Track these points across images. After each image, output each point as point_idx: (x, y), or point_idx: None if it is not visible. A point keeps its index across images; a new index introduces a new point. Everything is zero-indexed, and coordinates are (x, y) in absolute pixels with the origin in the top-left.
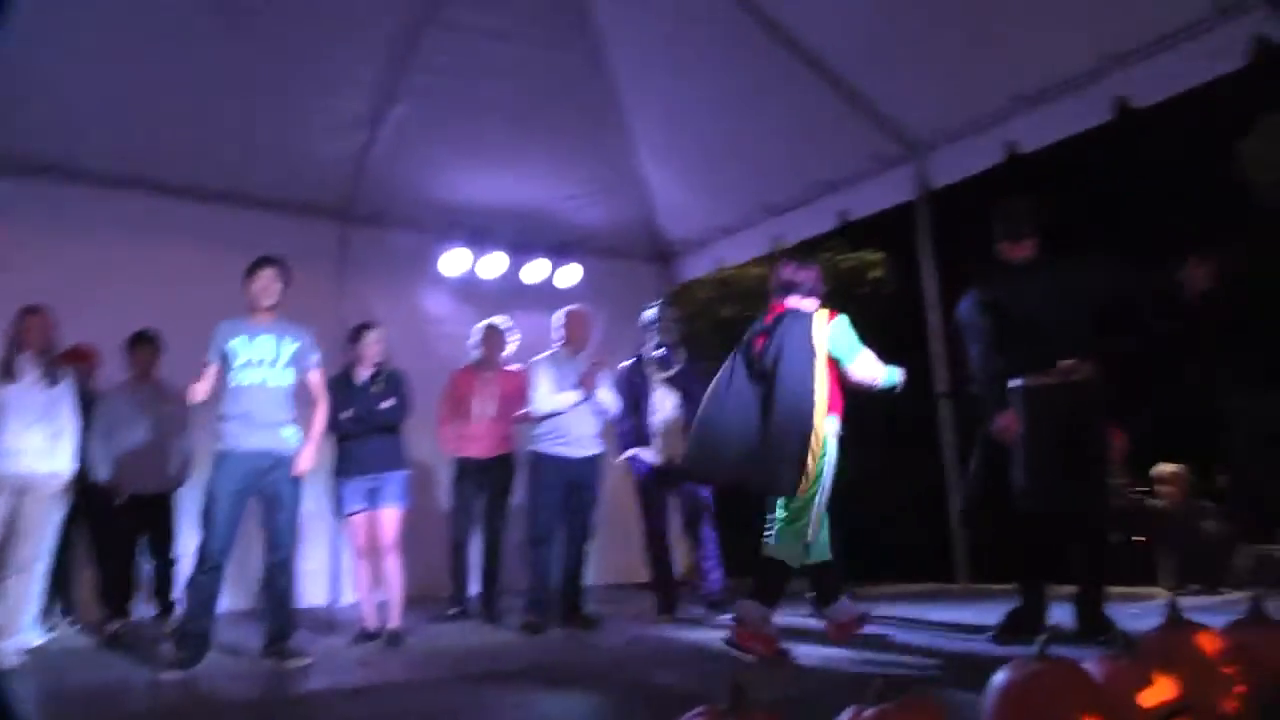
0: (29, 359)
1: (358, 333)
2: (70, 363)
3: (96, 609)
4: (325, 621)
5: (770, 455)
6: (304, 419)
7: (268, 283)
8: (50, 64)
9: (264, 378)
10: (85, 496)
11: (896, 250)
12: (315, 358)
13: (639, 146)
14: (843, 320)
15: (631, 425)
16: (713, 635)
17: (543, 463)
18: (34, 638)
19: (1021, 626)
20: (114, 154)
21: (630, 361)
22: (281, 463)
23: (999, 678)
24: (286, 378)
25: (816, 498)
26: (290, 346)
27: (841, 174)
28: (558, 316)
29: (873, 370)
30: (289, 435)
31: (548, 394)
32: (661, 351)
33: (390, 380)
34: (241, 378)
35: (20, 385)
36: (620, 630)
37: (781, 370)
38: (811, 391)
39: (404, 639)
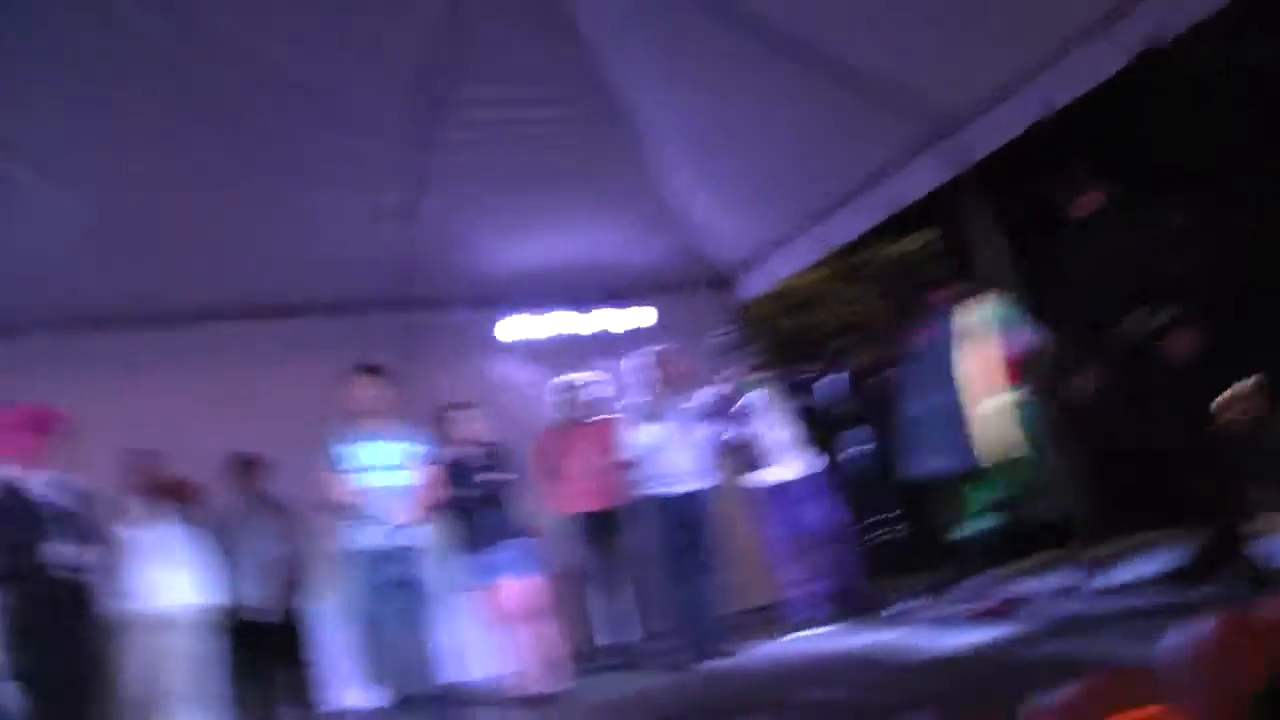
0: (140, 501)
1: (448, 413)
2: (178, 498)
3: None
4: (470, 694)
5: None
6: None
7: (365, 389)
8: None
9: (381, 478)
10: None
11: (953, 228)
12: (423, 450)
13: (673, 181)
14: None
15: (740, 448)
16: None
17: (651, 505)
18: None
19: (1213, 564)
20: (168, 291)
21: (720, 388)
22: (409, 554)
23: (1186, 631)
24: (402, 476)
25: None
26: (399, 448)
27: (881, 165)
28: (640, 359)
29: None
30: (412, 530)
31: (641, 435)
32: (748, 375)
33: (500, 454)
34: (360, 481)
35: (137, 526)
36: (757, 653)
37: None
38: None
39: (571, 697)
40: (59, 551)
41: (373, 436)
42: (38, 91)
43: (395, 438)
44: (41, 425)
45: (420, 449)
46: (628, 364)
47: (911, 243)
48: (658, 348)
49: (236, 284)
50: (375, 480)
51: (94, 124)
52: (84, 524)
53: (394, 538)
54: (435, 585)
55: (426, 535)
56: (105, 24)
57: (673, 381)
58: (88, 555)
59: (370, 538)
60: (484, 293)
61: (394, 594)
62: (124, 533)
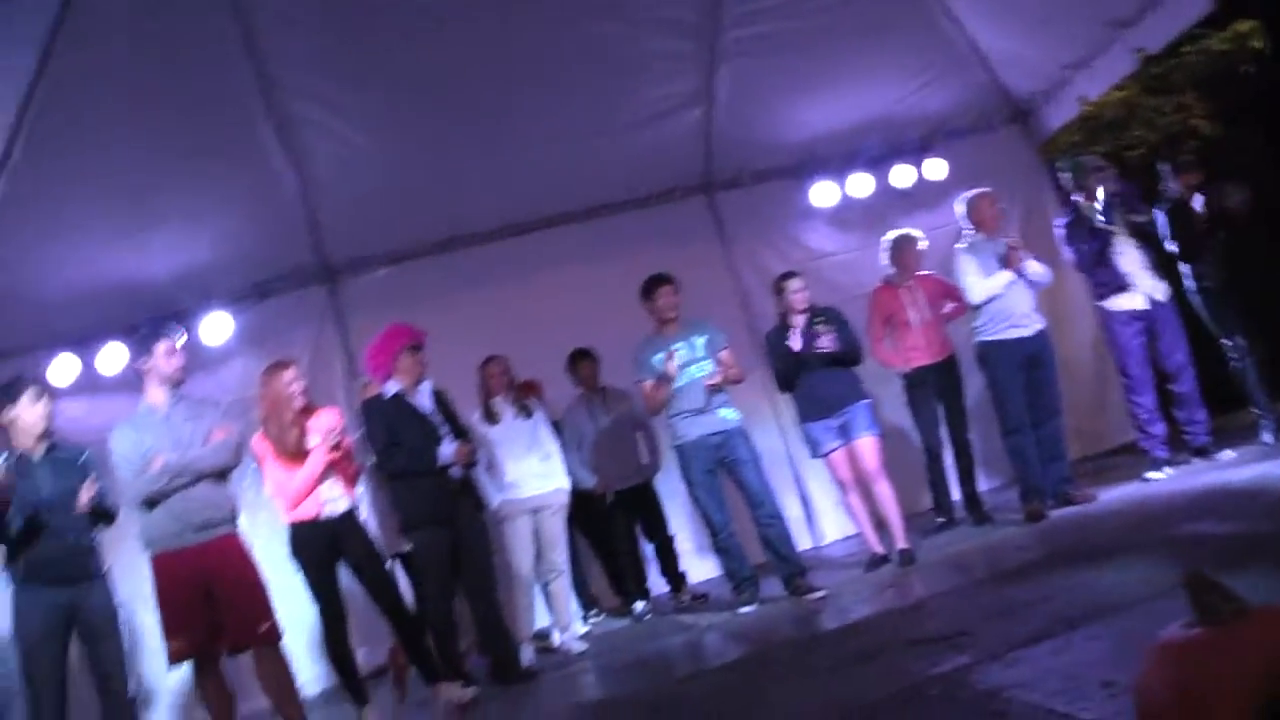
0: (501, 401)
1: (779, 285)
2: (526, 396)
3: (614, 597)
4: (822, 560)
5: None
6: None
7: (669, 299)
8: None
9: (691, 374)
10: (578, 503)
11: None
12: (721, 338)
13: (963, 17)
14: None
15: (1105, 277)
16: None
17: (996, 350)
18: (581, 628)
19: None
20: (483, 215)
21: (1069, 217)
22: (730, 435)
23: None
24: (708, 367)
25: None
26: (700, 340)
27: None
28: (960, 205)
29: None
30: (727, 413)
31: (979, 281)
32: (1103, 197)
33: (832, 317)
34: (674, 380)
35: (503, 424)
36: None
37: None
38: None
39: (914, 556)
40: (445, 452)
41: (677, 338)
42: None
43: (690, 335)
44: (412, 343)
45: (720, 337)
46: (957, 210)
47: (1225, 38)
48: (974, 191)
49: (550, 197)
50: (687, 376)
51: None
52: (458, 426)
53: (709, 424)
54: (771, 458)
55: (739, 418)
56: None
57: (987, 225)
58: (465, 453)
59: (689, 430)
60: (786, 162)
61: (726, 474)
62: (490, 431)
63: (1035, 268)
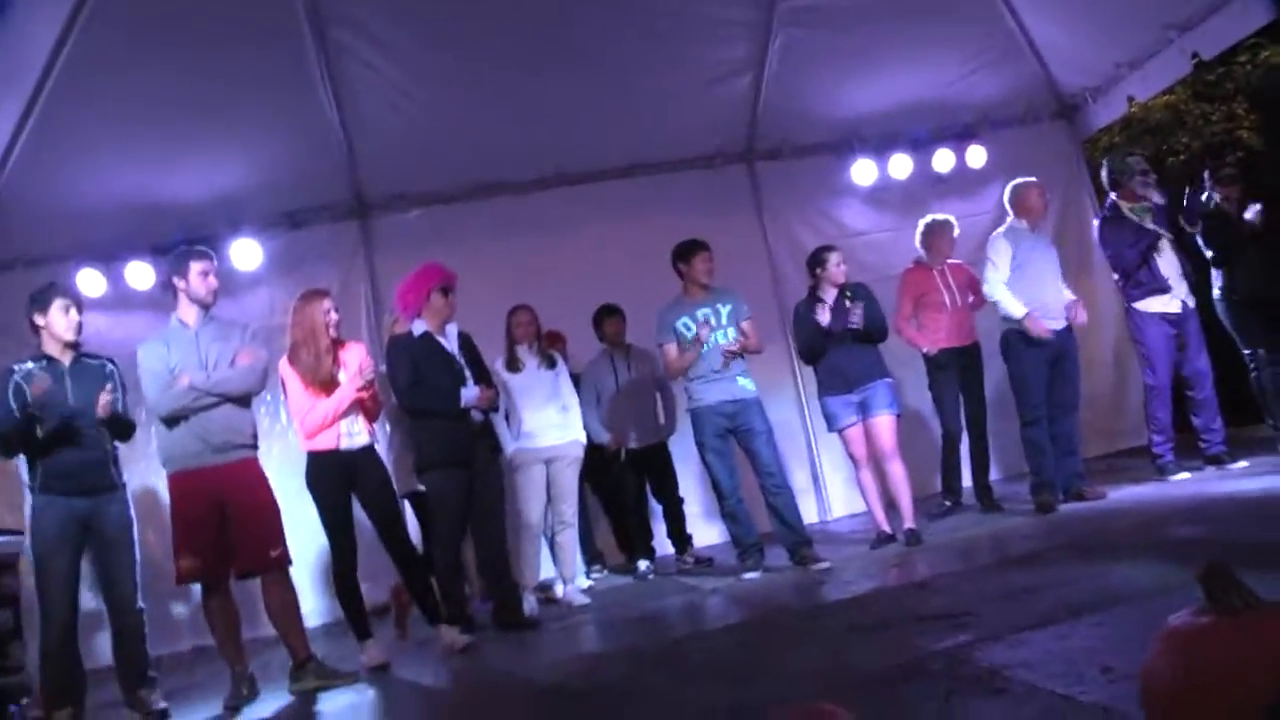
0: (525, 350)
1: (819, 258)
2: (550, 347)
3: (619, 554)
4: (829, 535)
5: None
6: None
7: (706, 265)
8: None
9: (714, 340)
10: (590, 458)
11: None
12: (745, 309)
13: (1020, 7)
14: None
15: (1144, 278)
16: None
17: (1022, 341)
18: (584, 581)
19: None
20: (520, 164)
21: (1108, 214)
22: (745, 404)
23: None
24: (730, 334)
25: None
26: (725, 309)
27: None
28: (1009, 191)
29: None
30: (745, 382)
31: (998, 279)
32: (1154, 199)
33: (863, 294)
34: (694, 345)
35: (525, 373)
36: (1124, 498)
37: None
38: None
39: (921, 537)
40: (468, 395)
41: (703, 304)
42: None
43: (716, 302)
44: (444, 284)
45: (744, 307)
46: (1006, 196)
47: None
48: (1020, 180)
49: (590, 151)
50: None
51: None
52: (482, 370)
53: (726, 391)
54: (787, 429)
55: (755, 389)
56: None
57: (1031, 214)
58: (488, 397)
59: (704, 395)
60: (829, 138)
61: (738, 441)
62: (512, 379)
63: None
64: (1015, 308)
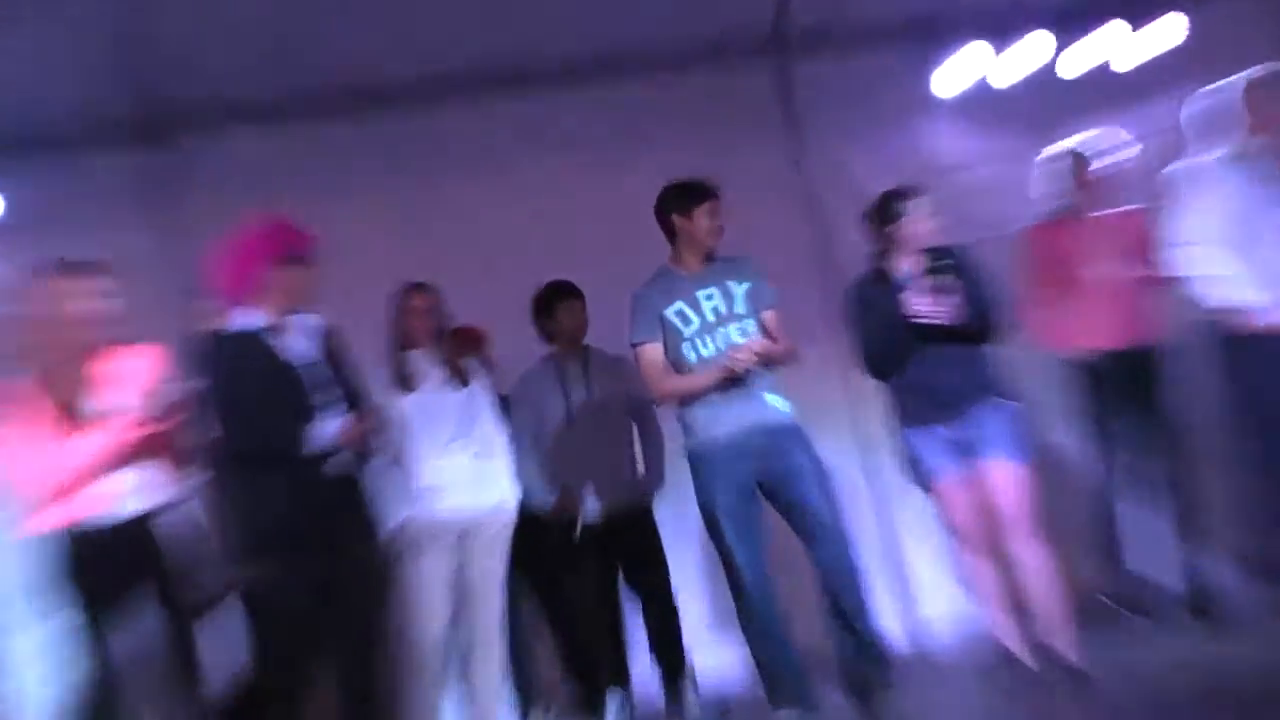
0: (422, 357)
1: (890, 208)
2: (464, 352)
3: (571, 689)
4: (919, 659)
5: None
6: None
7: (711, 221)
8: None
9: (725, 338)
10: (525, 535)
11: None
12: (770, 293)
13: None
14: None
15: None
16: None
17: (1254, 341)
18: None
19: None
20: (411, 59)
21: None
22: (778, 434)
23: None
24: (750, 328)
25: None
26: (740, 289)
27: None
28: (1231, 92)
29: None
30: (775, 401)
31: (1208, 232)
32: None
33: (955, 264)
34: (698, 349)
35: (422, 394)
36: None
37: None
38: None
39: (1089, 679)
40: (322, 429)
41: (705, 279)
42: None
43: (725, 280)
44: (295, 251)
45: (768, 290)
46: (1188, 109)
47: None
48: (1254, 73)
49: (523, 41)
50: (713, 343)
51: None
52: (352, 389)
53: (750, 415)
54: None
55: (788, 407)
56: None
57: (1266, 128)
58: (357, 433)
59: (713, 426)
60: (904, 19)
61: (770, 497)
62: (400, 401)
63: None
64: (1233, 289)
